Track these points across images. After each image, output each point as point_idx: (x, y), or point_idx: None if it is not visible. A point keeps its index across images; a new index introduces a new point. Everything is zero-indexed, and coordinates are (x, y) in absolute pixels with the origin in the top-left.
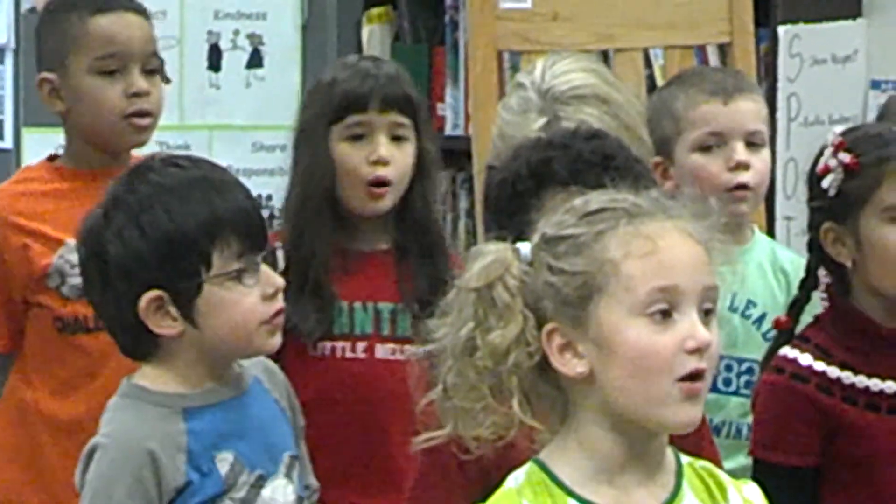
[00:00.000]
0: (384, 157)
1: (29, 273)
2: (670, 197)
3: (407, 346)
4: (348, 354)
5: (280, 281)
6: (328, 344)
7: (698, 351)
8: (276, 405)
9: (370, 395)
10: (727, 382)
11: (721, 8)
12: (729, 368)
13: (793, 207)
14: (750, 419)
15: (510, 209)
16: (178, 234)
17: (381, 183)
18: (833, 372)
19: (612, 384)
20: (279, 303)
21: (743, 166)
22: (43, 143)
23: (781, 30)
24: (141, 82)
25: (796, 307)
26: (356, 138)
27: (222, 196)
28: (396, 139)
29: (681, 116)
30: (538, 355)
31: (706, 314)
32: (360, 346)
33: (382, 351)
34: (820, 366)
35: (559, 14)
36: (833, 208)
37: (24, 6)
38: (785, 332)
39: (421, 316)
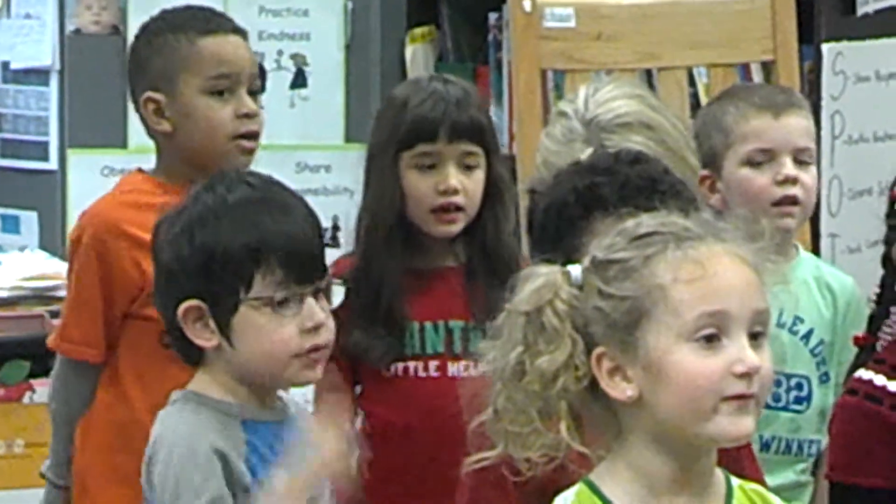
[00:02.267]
0: (453, 187)
1: (140, 285)
2: (722, 219)
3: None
4: (421, 374)
5: (322, 317)
6: (400, 365)
7: (747, 375)
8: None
9: (443, 413)
10: (776, 398)
11: (765, 26)
12: (778, 384)
13: (837, 225)
14: (800, 435)
15: (557, 235)
16: (221, 250)
17: (451, 208)
18: None
19: (661, 407)
20: (318, 338)
21: (791, 181)
22: (88, 164)
23: (825, 47)
24: (250, 103)
25: (875, 323)
26: (426, 167)
27: (277, 222)
28: (467, 167)
29: (731, 130)
30: (587, 379)
31: (756, 337)
32: (433, 364)
33: (455, 369)
34: (894, 386)
35: (603, 33)
36: None
37: (69, 28)
38: (865, 350)
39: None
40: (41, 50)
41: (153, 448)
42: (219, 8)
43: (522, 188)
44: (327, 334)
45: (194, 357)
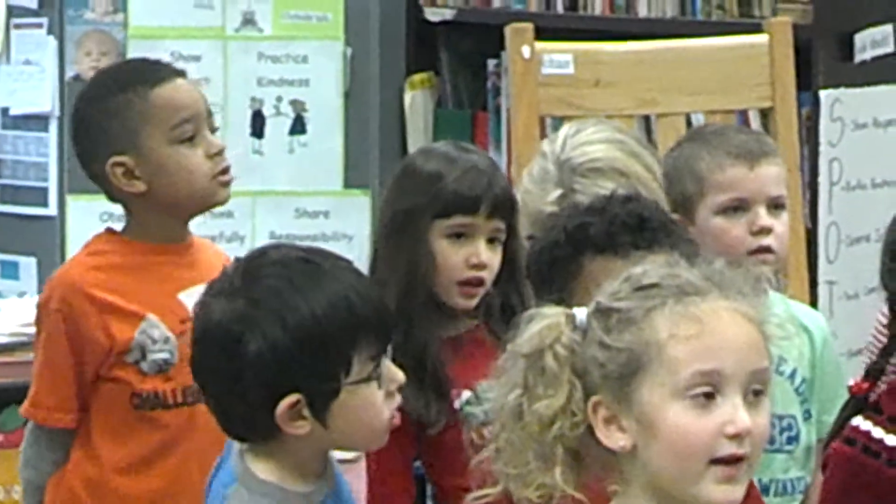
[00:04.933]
0: (484, 262)
1: (109, 348)
2: (728, 271)
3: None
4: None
5: (401, 377)
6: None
7: (738, 436)
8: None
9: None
10: (770, 441)
11: (763, 73)
12: (771, 426)
13: (835, 272)
14: (790, 474)
15: (550, 277)
16: (322, 335)
17: (476, 282)
18: None
19: (652, 461)
20: (398, 398)
21: (766, 230)
22: (87, 210)
23: (823, 94)
24: (217, 141)
25: (874, 372)
26: (457, 236)
27: (361, 293)
28: (492, 241)
29: (705, 178)
30: (584, 425)
31: (756, 395)
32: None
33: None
34: (892, 440)
35: (601, 80)
36: None
37: (69, 74)
38: (859, 399)
39: None
40: (41, 96)
41: None
42: (218, 55)
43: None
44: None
45: (242, 432)
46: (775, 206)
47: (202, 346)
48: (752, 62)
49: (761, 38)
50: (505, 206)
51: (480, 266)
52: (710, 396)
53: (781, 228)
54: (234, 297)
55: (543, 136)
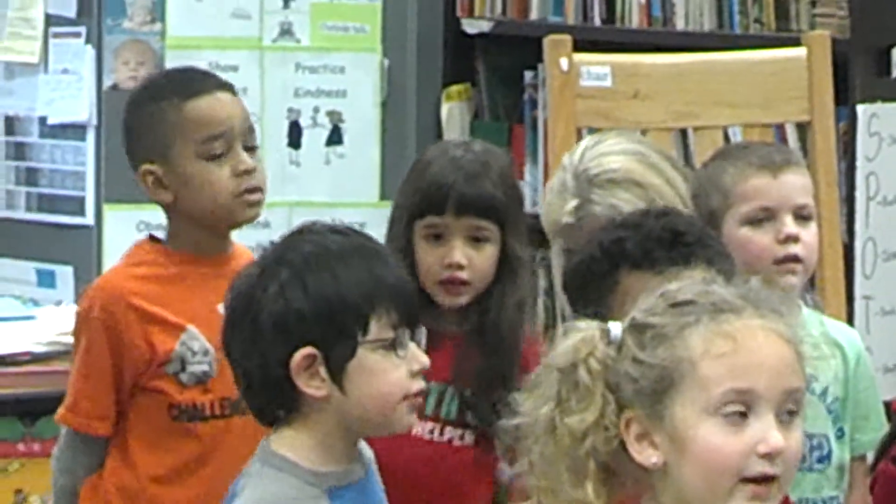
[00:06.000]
0: (457, 262)
1: (150, 358)
2: (764, 289)
3: (448, 428)
4: None
5: (426, 360)
6: None
7: (769, 456)
8: (384, 494)
9: (402, 469)
10: (801, 460)
11: (800, 87)
12: None
13: (872, 287)
14: (822, 493)
15: (587, 291)
16: (340, 296)
17: (456, 282)
18: None
19: (682, 478)
20: (422, 382)
21: (793, 239)
22: (124, 220)
23: (860, 108)
24: (247, 160)
25: None
26: (434, 238)
27: (384, 265)
28: (476, 240)
29: (729, 190)
30: (617, 440)
31: (790, 414)
32: None
33: (420, 428)
34: None
35: (639, 92)
36: None
37: (106, 83)
38: None
39: (470, 402)
40: (78, 105)
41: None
42: (255, 66)
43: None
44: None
45: (281, 411)
46: (802, 216)
47: (230, 307)
48: (790, 76)
49: (799, 52)
50: (477, 204)
51: (455, 266)
52: (742, 415)
53: (809, 238)
54: (264, 260)
55: None
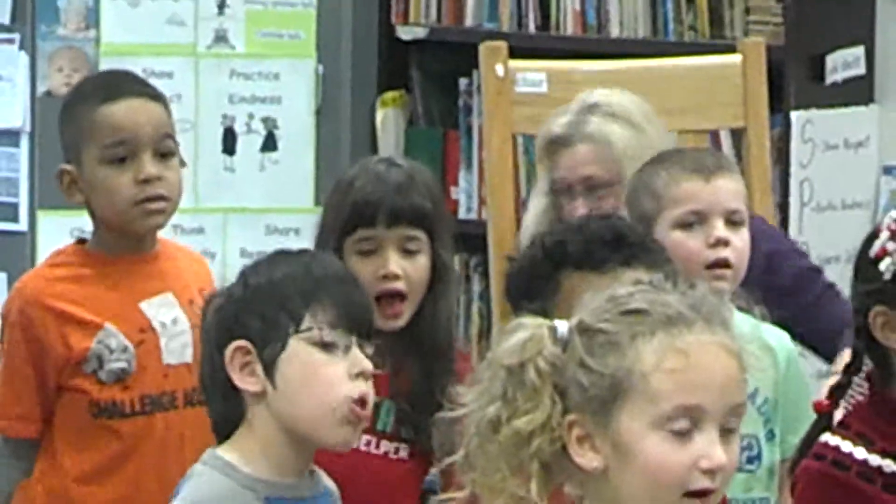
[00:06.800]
0: (392, 272)
1: (67, 357)
2: (710, 297)
3: (383, 441)
4: None
5: (369, 365)
6: None
7: (712, 471)
8: None
9: (339, 482)
10: None
11: (735, 93)
12: None
13: None
14: (752, 494)
15: (530, 293)
16: (273, 288)
17: (392, 295)
18: (874, 460)
19: (623, 486)
20: (365, 386)
21: (723, 243)
22: (58, 226)
23: (794, 115)
24: (150, 168)
25: (838, 392)
26: (366, 253)
27: (330, 268)
28: (408, 252)
29: (662, 194)
30: (560, 442)
31: (729, 431)
32: None
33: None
34: (861, 453)
35: (574, 98)
36: (886, 292)
37: (40, 90)
38: (824, 417)
39: (408, 415)
40: (12, 111)
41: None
42: (189, 71)
43: (495, 252)
44: (371, 391)
45: (230, 420)
46: (733, 221)
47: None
48: (725, 82)
49: (734, 59)
50: (409, 214)
51: (391, 276)
52: (688, 431)
53: (740, 243)
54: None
55: (516, 154)
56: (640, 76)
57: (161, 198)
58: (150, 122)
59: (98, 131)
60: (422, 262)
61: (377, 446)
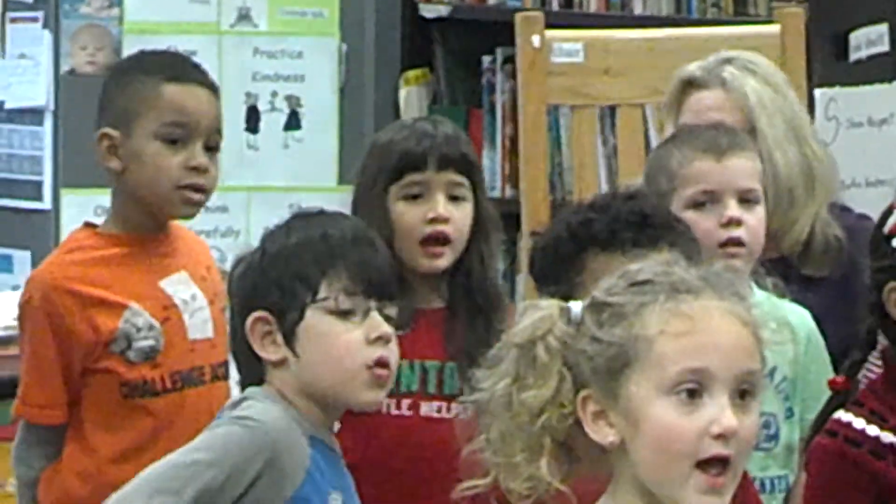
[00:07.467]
0: (442, 215)
1: (94, 340)
2: (726, 273)
3: (454, 404)
4: (393, 412)
5: (387, 329)
6: None
7: (723, 436)
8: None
9: (414, 452)
10: None
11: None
12: None
13: None
14: (770, 472)
15: (554, 272)
16: (289, 257)
17: (439, 239)
18: (886, 437)
19: (638, 458)
20: (384, 350)
21: (735, 222)
22: (81, 204)
23: (818, 93)
24: (202, 157)
25: (854, 368)
26: (414, 197)
27: (347, 233)
28: (454, 199)
29: (675, 174)
30: (572, 417)
31: (745, 397)
32: (405, 403)
33: (427, 408)
34: (873, 430)
35: (611, 68)
36: None
37: (64, 68)
38: (840, 394)
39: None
40: (36, 90)
41: (237, 414)
42: (214, 48)
43: (528, 226)
44: (394, 353)
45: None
46: (747, 199)
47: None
48: (763, 52)
49: (773, 28)
50: (457, 160)
51: (440, 219)
52: (696, 395)
53: (754, 222)
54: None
55: (551, 125)
56: (676, 45)
57: (202, 189)
58: (210, 114)
59: (160, 107)
60: (467, 210)
61: (448, 410)
